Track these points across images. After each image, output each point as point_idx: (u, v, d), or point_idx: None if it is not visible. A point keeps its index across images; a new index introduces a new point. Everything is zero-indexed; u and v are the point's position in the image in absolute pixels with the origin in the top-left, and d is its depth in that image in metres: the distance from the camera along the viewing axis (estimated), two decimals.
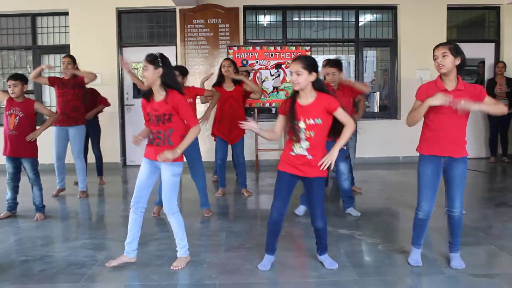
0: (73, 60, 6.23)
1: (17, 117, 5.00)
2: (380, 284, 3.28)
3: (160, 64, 3.48)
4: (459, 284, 3.26)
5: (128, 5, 8.87)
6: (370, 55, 9.67)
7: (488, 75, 9.25)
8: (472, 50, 9.16)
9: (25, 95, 5.16)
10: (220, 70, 5.94)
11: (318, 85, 3.35)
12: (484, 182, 7.16)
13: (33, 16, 9.08)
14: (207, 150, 7.93)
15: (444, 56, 3.28)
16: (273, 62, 8.23)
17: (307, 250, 4.05)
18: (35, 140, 5.14)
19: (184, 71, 5.22)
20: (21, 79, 5.08)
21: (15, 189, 5.20)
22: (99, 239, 4.44)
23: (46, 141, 5.98)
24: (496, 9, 9.23)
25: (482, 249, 4.00)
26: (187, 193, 6.28)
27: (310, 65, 3.27)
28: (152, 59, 3.48)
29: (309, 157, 3.33)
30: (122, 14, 9.01)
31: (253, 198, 6.05)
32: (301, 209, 5.08)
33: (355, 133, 6.60)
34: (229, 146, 6.09)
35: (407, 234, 3.73)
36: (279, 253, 3.69)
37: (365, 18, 9.43)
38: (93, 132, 7.11)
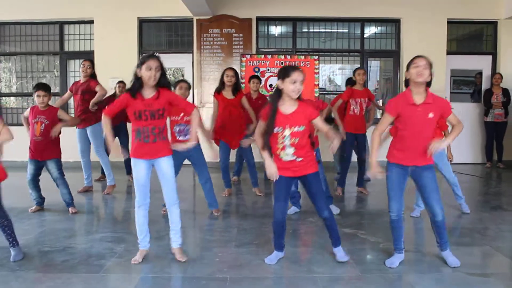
0: (92, 64, 6.19)
1: (43, 124, 4.99)
2: (381, 281, 3.25)
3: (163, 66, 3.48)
4: (456, 282, 3.22)
5: (149, 14, 8.92)
6: (374, 65, 9.64)
7: (485, 85, 9.19)
8: (470, 62, 9.18)
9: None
10: (222, 77, 5.84)
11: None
12: (480, 186, 7.09)
13: (61, 24, 9.16)
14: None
15: (425, 68, 3.26)
16: None
17: (313, 246, 4.03)
18: (59, 141, 5.16)
19: (189, 85, 5.13)
20: (49, 90, 5.09)
21: (36, 188, 5.20)
22: (118, 233, 4.44)
23: (70, 141, 6.06)
24: (494, 24, 9.19)
25: (478, 250, 3.96)
26: (200, 192, 6.28)
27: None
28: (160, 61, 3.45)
29: (298, 159, 3.36)
30: (143, 23, 9.06)
31: (262, 197, 6.02)
32: (292, 210, 5.09)
33: (366, 139, 6.60)
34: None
35: (406, 234, 3.69)
36: (287, 249, 3.67)
37: (370, 30, 9.40)
38: (122, 135, 7.12)
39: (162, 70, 3.44)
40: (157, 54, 3.47)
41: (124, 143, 7.14)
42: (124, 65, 8.37)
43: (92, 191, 6.34)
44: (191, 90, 5.24)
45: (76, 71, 9.26)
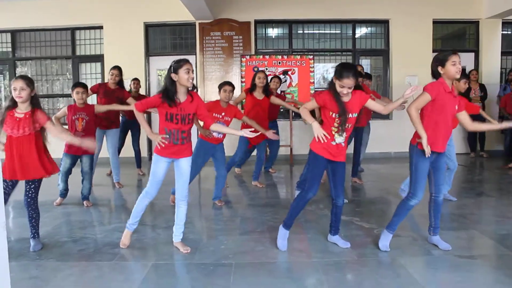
0: (120, 71, 6.15)
1: (84, 120, 4.98)
2: (376, 264, 3.25)
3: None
4: (445, 264, 3.22)
5: (154, 19, 8.90)
6: (365, 63, 9.58)
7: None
8: None
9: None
10: (254, 79, 5.88)
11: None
12: (465, 174, 7.09)
13: (72, 30, 9.13)
14: (231, 147, 7.93)
15: (460, 63, 3.23)
16: (280, 69, 8.21)
17: (312, 234, 4.00)
18: (95, 139, 5.20)
19: (234, 87, 5.13)
20: (87, 87, 5.10)
21: (66, 181, 5.20)
22: None
23: None
24: (476, 23, 9.18)
25: (465, 234, 3.94)
26: (204, 185, 6.29)
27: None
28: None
29: (343, 145, 3.38)
30: (149, 27, 9.03)
31: (264, 188, 6.01)
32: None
33: (368, 132, 6.60)
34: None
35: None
36: (288, 236, 3.65)
37: (361, 31, 9.35)
38: (135, 130, 7.10)
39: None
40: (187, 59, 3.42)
41: (136, 136, 7.14)
42: (132, 67, 8.44)
43: (101, 184, 6.32)
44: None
45: (87, 74, 9.25)
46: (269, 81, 6.44)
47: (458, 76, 3.23)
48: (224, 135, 4.93)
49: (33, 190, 3.61)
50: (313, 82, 8.30)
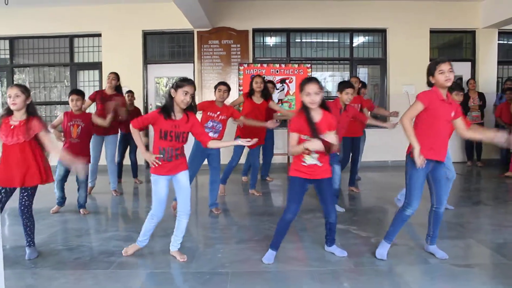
0: (117, 77, 6.19)
1: (79, 127, 4.98)
2: (373, 273, 3.24)
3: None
4: (442, 272, 3.22)
5: (153, 27, 8.92)
6: (363, 72, 9.63)
7: (465, 90, 9.20)
8: None
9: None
10: (251, 84, 5.88)
11: (323, 103, 3.30)
12: (462, 183, 7.09)
13: (71, 37, 9.16)
14: (228, 153, 7.92)
15: (450, 71, 3.24)
16: (278, 78, 8.23)
17: (309, 242, 4.00)
18: (89, 147, 5.19)
19: (229, 88, 5.18)
20: (82, 94, 5.07)
21: (62, 189, 5.18)
22: (127, 232, 4.41)
23: None
24: (472, 33, 9.25)
25: (462, 242, 3.94)
26: (201, 193, 6.27)
27: (321, 85, 3.27)
28: (195, 86, 3.46)
29: (320, 164, 3.30)
30: (147, 35, 9.06)
31: (261, 197, 6.00)
32: None
33: (363, 140, 6.65)
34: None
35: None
36: (284, 245, 3.64)
37: (358, 40, 9.40)
38: (133, 143, 7.10)
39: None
40: (192, 79, 3.45)
41: (133, 147, 7.13)
42: (130, 75, 8.45)
43: (98, 192, 6.29)
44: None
45: (85, 81, 9.26)
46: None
47: (447, 84, 3.23)
48: (220, 135, 4.95)
49: (27, 198, 3.59)
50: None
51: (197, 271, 3.31)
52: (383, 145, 8.61)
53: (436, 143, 3.31)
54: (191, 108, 3.47)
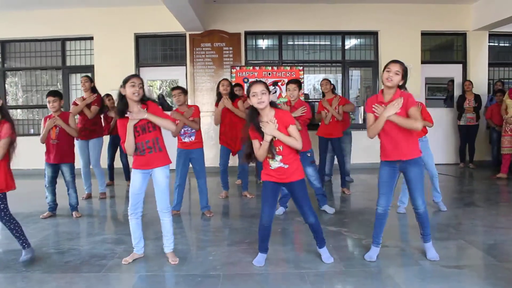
0: (89, 79, 6.21)
1: (57, 128, 4.98)
2: (364, 274, 3.24)
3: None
4: (433, 274, 3.23)
5: (145, 30, 8.92)
6: (355, 74, 9.69)
7: (456, 92, 9.29)
8: (442, 70, 9.29)
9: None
10: (218, 88, 5.86)
11: (272, 102, 3.31)
12: (455, 185, 7.13)
13: (63, 40, 9.15)
14: (213, 157, 7.92)
15: (396, 73, 3.26)
16: (270, 80, 8.25)
17: (300, 244, 4.02)
18: (73, 147, 5.18)
19: (185, 90, 5.14)
20: (59, 95, 5.04)
21: (53, 192, 5.16)
22: (118, 235, 4.41)
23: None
24: (463, 35, 9.31)
25: (453, 244, 3.96)
26: (194, 195, 6.26)
27: (267, 87, 3.28)
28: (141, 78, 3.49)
29: (286, 166, 3.27)
30: (139, 38, 9.06)
31: (253, 199, 6.00)
32: (280, 210, 5.08)
33: (349, 141, 6.70)
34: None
35: (386, 231, 3.68)
36: (276, 247, 3.67)
37: (350, 42, 9.44)
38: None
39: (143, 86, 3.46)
40: (137, 74, 3.47)
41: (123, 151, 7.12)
42: (122, 78, 8.36)
43: (91, 197, 6.27)
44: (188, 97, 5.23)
45: (78, 84, 9.20)
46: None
47: (388, 83, 3.27)
48: (197, 138, 4.99)
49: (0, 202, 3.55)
50: (303, 93, 8.33)
51: (189, 273, 3.31)
52: (375, 147, 8.56)
53: (388, 143, 3.40)
54: (148, 99, 3.49)
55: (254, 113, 3.28)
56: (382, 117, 3.27)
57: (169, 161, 3.58)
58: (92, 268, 3.44)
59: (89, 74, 6.28)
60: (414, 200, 3.46)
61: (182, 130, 4.93)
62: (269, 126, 3.18)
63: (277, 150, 3.24)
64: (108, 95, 7.14)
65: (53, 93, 5.01)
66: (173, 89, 5.08)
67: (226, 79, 5.94)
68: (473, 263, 3.52)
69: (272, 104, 3.30)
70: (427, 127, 4.93)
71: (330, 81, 6.33)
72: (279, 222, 4.68)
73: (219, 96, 5.84)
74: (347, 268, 3.38)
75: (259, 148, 3.26)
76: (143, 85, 3.45)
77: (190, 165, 5.13)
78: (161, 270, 3.41)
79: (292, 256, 3.72)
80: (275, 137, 3.20)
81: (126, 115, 3.37)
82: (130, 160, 6.92)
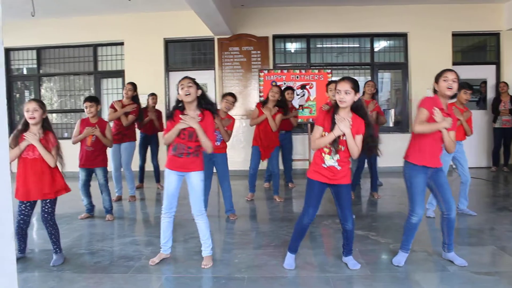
0: (134, 87, 6.29)
1: (94, 136, 5.04)
2: (390, 280, 3.20)
3: (200, 87, 3.50)
4: (461, 280, 3.16)
5: (174, 35, 9.05)
6: (386, 76, 9.56)
7: (489, 93, 9.06)
8: (475, 72, 9.05)
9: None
10: (268, 93, 5.91)
11: (355, 106, 3.24)
12: (487, 189, 6.94)
13: (95, 46, 9.36)
14: (241, 160, 7.97)
15: (454, 81, 3.26)
16: (298, 83, 8.22)
17: (327, 249, 3.99)
18: (106, 152, 5.24)
19: (236, 99, 5.20)
20: (96, 101, 5.12)
21: (87, 194, 5.26)
22: (147, 237, 4.49)
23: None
24: (496, 35, 9.06)
25: (484, 250, 3.87)
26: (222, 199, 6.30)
27: (357, 86, 3.20)
28: (195, 80, 3.49)
29: (339, 168, 3.24)
30: (168, 43, 9.19)
31: (281, 203, 5.99)
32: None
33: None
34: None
35: (415, 236, 3.62)
36: (302, 250, 3.65)
37: (380, 44, 9.34)
38: (154, 145, 7.23)
39: (202, 91, 3.49)
40: (187, 76, 3.52)
41: (154, 152, 7.25)
42: (152, 82, 8.61)
43: (121, 199, 6.40)
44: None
45: (109, 89, 9.45)
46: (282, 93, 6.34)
47: (449, 93, 3.25)
48: (222, 144, 5.03)
49: (50, 205, 3.66)
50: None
51: (214, 275, 3.34)
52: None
53: (426, 150, 3.35)
54: (209, 109, 3.52)
55: (336, 108, 3.26)
56: (439, 125, 3.24)
57: (203, 167, 3.62)
58: (119, 269, 3.51)
59: (135, 82, 6.33)
60: (448, 203, 3.41)
61: None
62: (345, 122, 3.16)
63: (339, 149, 3.21)
64: (153, 94, 7.28)
65: (91, 99, 5.10)
66: (226, 95, 5.14)
67: (278, 86, 6.02)
68: (504, 270, 3.42)
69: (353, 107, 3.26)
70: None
71: (376, 84, 6.30)
72: None
73: (267, 100, 5.90)
74: (373, 272, 3.34)
75: (320, 138, 3.24)
76: (195, 84, 3.46)
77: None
78: (187, 271, 3.45)
79: (318, 259, 3.70)
80: (343, 136, 3.19)
81: (180, 116, 3.42)
82: (161, 163, 7.11)
